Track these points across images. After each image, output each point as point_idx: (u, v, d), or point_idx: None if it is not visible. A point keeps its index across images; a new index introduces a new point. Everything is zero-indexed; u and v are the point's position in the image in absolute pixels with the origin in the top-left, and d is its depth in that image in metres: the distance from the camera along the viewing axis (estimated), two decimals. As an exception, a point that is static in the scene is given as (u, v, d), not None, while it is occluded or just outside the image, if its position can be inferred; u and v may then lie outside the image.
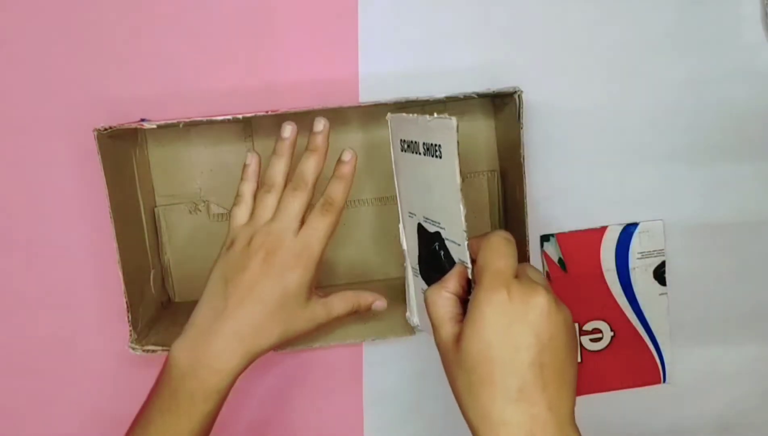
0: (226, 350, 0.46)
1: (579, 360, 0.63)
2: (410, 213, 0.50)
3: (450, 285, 0.43)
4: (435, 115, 0.42)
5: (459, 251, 0.44)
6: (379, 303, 0.52)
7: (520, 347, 0.38)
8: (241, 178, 0.50)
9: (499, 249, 0.40)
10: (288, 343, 0.49)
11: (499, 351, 0.38)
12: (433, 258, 0.47)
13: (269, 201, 0.48)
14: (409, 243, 0.52)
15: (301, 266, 0.47)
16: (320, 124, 0.49)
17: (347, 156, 0.49)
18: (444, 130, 0.41)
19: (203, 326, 0.46)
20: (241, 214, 0.49)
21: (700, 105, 0.60)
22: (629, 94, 0.59)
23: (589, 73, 0.59)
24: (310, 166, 0.48)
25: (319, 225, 0.48)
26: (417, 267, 0.51)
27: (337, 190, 0.49)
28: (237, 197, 0.50)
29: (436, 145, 0.43)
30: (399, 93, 0.51)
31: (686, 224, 0.62)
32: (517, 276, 0.40)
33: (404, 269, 0.53)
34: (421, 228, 0.49)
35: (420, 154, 0.45)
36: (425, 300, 0.43)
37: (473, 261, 0.43)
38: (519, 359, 0.38)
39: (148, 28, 0.55)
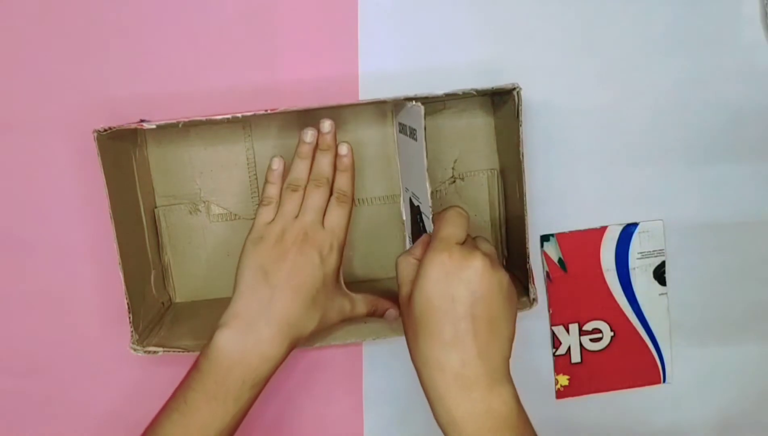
0: (276, 337, 0.48)
1: (579, 360, 0.63)
2: (406, 188, 0.56)
3: (416, 252, 0.48)
4: (414, 102, 0.48)
5: (428, 224, 0.50)
6: (393, 312, 0.55)
7: (455, 299, 0.43)
8: (267, 181, 0.53)
9: (450, 220, 0.46)
10: (320, 333, 0.52)
11: (438, 302, 0.43)
12: (417, 229, 0.53)
13: (296, 199, 0.52)
14: (406, 215, 0.57)
15: (334, 252, 0.51)
16: (327, 125, 0.52)
17: (344, 150, 0.53)
18: (416, 116, 0.47)
19: (249, 315, 0.48)
20: (268, 213, 0.52)
21: (699, 105, 0.60)
22: (629, 93, 0.59)
23: (589, 72, 0.59)
24: (325, 164, 0.53)
25: (340, 214, 0.52)
26: (411, 237, 0.56)
27: (345, 182, 0.53)
28: (264, 198, 0.53)
29: (414, 128, 0.49)
30: (399, 91, 0.51)
31: (686, 224, 0.62)
32: (463, 243, 0.45)
33: (405, 239, 0.58)
34: (411, 202, 0.55)
35: (407, 136, 0.52)
36: (395, 266, 0.48)
37: None
38: (454, 309, 0.43)
39: (146, 29, 0.55)
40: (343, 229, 0.52)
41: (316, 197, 0.52)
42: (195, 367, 0.49)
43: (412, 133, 0.50)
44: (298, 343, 0.50)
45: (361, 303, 0.54)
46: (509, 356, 0.45)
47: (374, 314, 0.55)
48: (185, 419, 0.47)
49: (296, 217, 0.52)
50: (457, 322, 0.43)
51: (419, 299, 0.44)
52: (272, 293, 0.49)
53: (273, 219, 0.52)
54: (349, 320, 0.53)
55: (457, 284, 0.43)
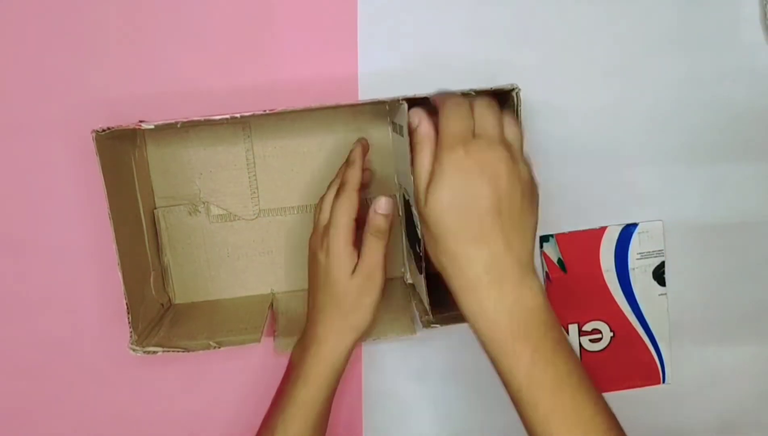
0: (314, 337, 0.53)
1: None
2: (399, 184, 0.57)
3: (424, 152, 0.46)
4: (401, 100, 0.48)
5: (417, 220, 0.49)
6: (382, 203, 0.51)
7: (477, 197, 0.42)
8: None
9: (452, 114, 0.44)
10: (368, 312, 0.53)
11: (460, 202, 0.43)
12: (410, 223, 0.53)
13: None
14: (401, 211, 0.59)
15: (331, 258, 0.52)
16: (383, 205, 0.52)
17: (382, 207, 0.51)
18: (402, 113, 0.48)
19: (305, 326, 0.55)
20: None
21: (699, 105, 0.60)
22: (628, 93, 0.59)
23: (589, 73, 0.59)
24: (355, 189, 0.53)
25: (338, 212, 0.51)
26: (405, 233, 0.58)
27: (349, 172, 0.53)
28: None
29: (401, 125, 0.50)
30: (398, 91, 0.51)
31: (686, 225, 0.62)
32: (478, 135, 0.44)
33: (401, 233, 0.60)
34: (403, 198, 0.56)
35: (397, 133, 0.53)
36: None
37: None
38: (477, 206, 0.42)
39: (145, 29, 0.55)
40: (343, 216, 0.51)
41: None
42: (293, 365, 0.55)
43: (401, 131, 0.50)
44: (350, 338, 0.52)
45: (368, 254, 0.51)
46: (533, 248, 0.45)
47: (384, 237, 0.52)
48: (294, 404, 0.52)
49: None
50: (482, 218, 0.42)
51: (440, 202, 0.43)
52: (312, 303, 0.54)
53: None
54: (383, 268, 0.52)
55: (478, 182, 0.42)
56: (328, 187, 0.54)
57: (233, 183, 0.58)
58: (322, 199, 0.54)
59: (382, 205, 0.51)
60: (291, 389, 0.52)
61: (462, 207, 0.43)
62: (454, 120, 0.44)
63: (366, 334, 0.54)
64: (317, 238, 0.53)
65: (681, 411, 0.65)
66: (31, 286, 0.58)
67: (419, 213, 0.46)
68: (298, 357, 0.54)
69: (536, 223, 0.45)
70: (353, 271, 0.51)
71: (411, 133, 0.46)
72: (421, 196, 0.44)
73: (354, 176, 0.52)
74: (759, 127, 0.60)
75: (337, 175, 0.55)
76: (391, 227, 0.52)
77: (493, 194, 0.42)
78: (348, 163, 0.54)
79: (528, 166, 0.45)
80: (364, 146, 0.55)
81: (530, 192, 0.44)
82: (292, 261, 0.60)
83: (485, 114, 0.45)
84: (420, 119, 0.46)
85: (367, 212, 0.51)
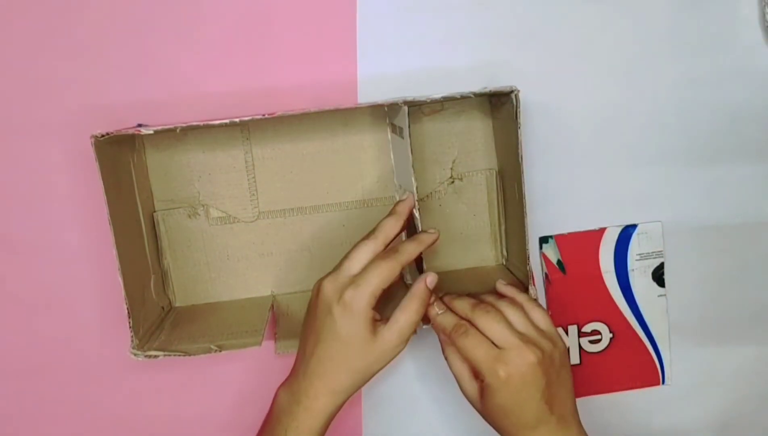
0: (311, 389, 0.50)
1: (578, 362, 0.64)
2: (399, 185, 0.57)
3: (474, 353, 0.50)
4: (401, 103, 0.50)
5: (417, 221, 0.52)
6: (431, 278, 0.51)
7: (527, 400, 0.48)
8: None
9: (472, 346, 0.49)
10: (371, 376, 0.51)
11: (513, 402, 0.49)
12: (412, 226, 0.53)
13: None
14: None
15: (351, 313, 0.48)
16: (431, 281, 0.51)
17: (432, 282, 0.51)
18: (403, 115, 0.50)
19: (298, 369, 0.51)
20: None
21: (698, 106, 0.60)
22: (628, 94, 0.59)
23: (588, 74, 0.59)
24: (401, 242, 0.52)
25: (375, 274, 0.48)
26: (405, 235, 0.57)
27: (405, 245, 0.51)
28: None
29: (401, 127, 0.51)
30: (398, 93, 0.51)
31: (685, 226, 0.62)
32: (500, 345, 0.49)
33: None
34: None
35: (397, 134, 0.54)
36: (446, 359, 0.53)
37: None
38: (529, 407, 0.49)
39: (144, 33, 0.55)
40: (368, 293, 0.48)
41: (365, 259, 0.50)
42: (267, 414, 0.53)
43: (401, 132, 0.50)
44: (344, 396, 0.50)
45: (403, 317, 0.49)
46: (574, 399, 0.52)
47: (424, 309, 0.50)
48: None
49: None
50: (535, 413, 0.49)
51: (492, 413, 0.50)
52: (305, 349, 0.51)
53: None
54: (407, 343, 0.50)
55: (526, 391, 0.48)
56: (366, 237, 0.50)
57: (232, 185, 0.58)
58: (356, 247, 0.50)
59: (431, 280, 0.50)
60: None
61: (516, 405, 0.49)
62: (476, 348, 0.49)
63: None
64: (336, 286, 0.49)
65: (680, 412, 0.65)
66: (31, 290, 0.58)
67: (471, 400, 0.52)
68: (287, 404, 0.50)
69: (572, 377, 0.52)
70: (373, 334, 0.48)
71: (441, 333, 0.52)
72: (470, 387, 0.51)
73: (412, 252, 0.50)
74: (758, 128, 0.60)
75: (377, 229, 0.51)
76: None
77: (539, 392, 0.48)
78: (410, 239, 0.52)
79: (553, 339, 0.50)
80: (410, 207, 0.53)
81: (566, 366, 0.51)
82: (292, 263, 0.60)
83: (511, 316, 0.50)
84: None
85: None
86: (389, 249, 0.50)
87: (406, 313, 0.49)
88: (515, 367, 0.48)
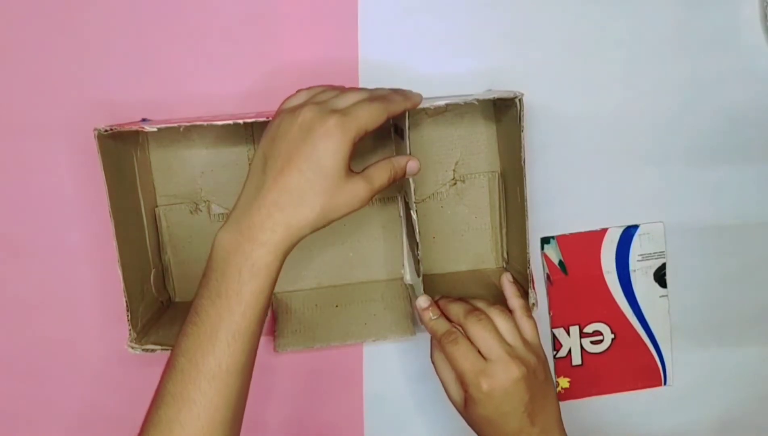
0: (267, 221, 0.44)
1: (580, 363, 0.63)
2: (398, 184, 0.56)
3: (463, 358, 0.51)
4: None
5: (414, 220, 0.52)
6: (413, 163, 0.49)
7: (510, 413, 0.49)
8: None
9: (459, 355, 0.50)
10: (330, 220, 0.46)
11: (496, 413, 0.50)
12: (410, 225, 0.53)
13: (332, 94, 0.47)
14: (402, 212, 0.59)
15: (335, 139, 0.44)
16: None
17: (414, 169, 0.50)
18: (404, 117, 0.50)
19: (245, 204, 0.45)
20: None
21: (700, 107, 0.60)
22: (630, 96, 0.59)
23: (590, 77, 0.59)
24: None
25: (363, 110, 0.45)
26: (406, 234, 0.58)
27: (393, 95, 0.48)
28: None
29: (401, 128, 0.51)
30: (398, 86, 0.51)
31: (686, 226, 0.62)
32: (487, 356, 0.50)
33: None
34: (403, 198, 0.56)
35: (399, 135, 0.53)
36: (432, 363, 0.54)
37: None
38: (511, 419, 0.50)
39: (148, 30, 0.55)
40: (359, 122, 0.44)
41: (352, 94, 0.46)
42: (204, 272, 0.45)
43: (402, 133, 0.51)
44: (299, 232, 0.44)
45: (377, 173, 0.47)
46: (558, 410, 0.53)
47: (396, 178, 0.48)
48: (197, 328, 0.43)
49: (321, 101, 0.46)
50: (518, 423, 0.50)
51: (475, 420, 0.51)
52: (266, 178, 0.44)
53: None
54: (370, 199, 0.46)
55: (508, 404, 0.49)
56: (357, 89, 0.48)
57: (235, 182, 0.58)
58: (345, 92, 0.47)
59: (413, 165, 0.49)
60: (232, 283, 0.43)
61: (499, 416, 0.50)
62: (463, 361, 0.50)
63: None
64: (319, 114, 0.44)
65: (682, 413, 0.65)
66: (31, 284, 0.58)
67: (457, 407, 0.53)
68: (236, 243, 0.44)
69: (555, 388, 0.54)
70: (347, 174, 0.45)
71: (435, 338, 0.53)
72: (456, 394, 0.52)
73: (399, 103, 0.47)
74: (760, 129, 0.60)
75: (373, 89, 0.48)
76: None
77: (521, 405, 0.49)
78: (396, 91, 0.49)
79: (537, 353, 0.51)
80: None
81: (548, 377, 0.52)
82: (291, 260, 0.59)
83: (502, 325, 0.51)
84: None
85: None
86: (377, 95, 0.47)
87: (379, 170, 0.47)
88: (498, 381, 0.49)
